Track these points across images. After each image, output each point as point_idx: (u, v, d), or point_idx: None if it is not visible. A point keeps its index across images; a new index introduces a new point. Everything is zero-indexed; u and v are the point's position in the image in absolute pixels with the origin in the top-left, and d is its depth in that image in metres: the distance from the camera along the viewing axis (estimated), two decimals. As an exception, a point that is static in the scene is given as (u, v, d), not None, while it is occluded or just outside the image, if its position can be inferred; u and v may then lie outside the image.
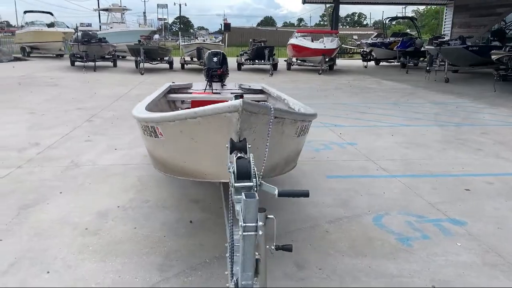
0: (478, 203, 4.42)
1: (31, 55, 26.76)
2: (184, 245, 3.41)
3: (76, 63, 19.40)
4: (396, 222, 3.95)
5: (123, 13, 28.95)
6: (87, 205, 4.15)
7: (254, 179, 1.68)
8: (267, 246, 2.09)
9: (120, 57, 23.72)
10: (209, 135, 1.93)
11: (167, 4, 74.31)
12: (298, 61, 21.99)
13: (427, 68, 16.62)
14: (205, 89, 6.30)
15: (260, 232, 1.65)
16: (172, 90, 5.96)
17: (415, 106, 10.70)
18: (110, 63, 20.81)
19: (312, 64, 21.01)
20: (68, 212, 3.98)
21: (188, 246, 3.39)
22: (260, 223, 1.62)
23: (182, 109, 5.77)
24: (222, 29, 44.99)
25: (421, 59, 21.04)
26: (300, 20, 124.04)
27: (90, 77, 16.25)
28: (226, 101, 4.90)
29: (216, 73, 6.30)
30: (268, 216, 2.04)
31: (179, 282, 2.90)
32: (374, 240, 3.59)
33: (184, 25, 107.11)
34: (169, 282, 2.90)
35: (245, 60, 21.72)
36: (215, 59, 6.44)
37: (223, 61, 6.44)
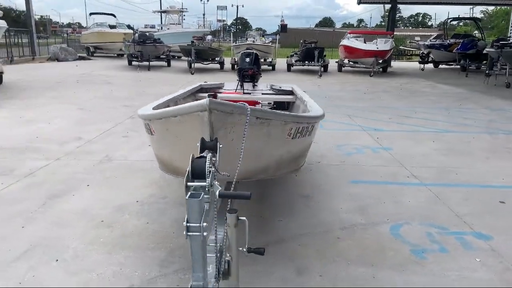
0: (511, 217, 4.09)
1: (94, 54, 28.31)
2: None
3: (133, 63, 20.26)
4: (415, 232, 3.75)
5: (180, 15, 29.83)
6: (109, 199, 4.31)
7: (208, 179, 1.66)
8: (240, 248, 2.07)
9: (176, 57, 24.50)
10: (189, 133, 1.94)
11: (226, 6, 75.68)
12: (350, 62, 21.56)
13: (487, 72, 15.67)
14: (236, 89, 6.33)
15: (205, 233, 1.63)
16: (203, 89, 6.05)
17: (466, 112, 10.12)
18: (164, 63, 21.53)
19: (363, 66, 20.51)
20: (90, 204, 4.15)
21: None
22: (204, 224, 1.59)
23: None
24: (279, 30, 45.12)
25: (484, 62, 19.86)
26: (360, 21, 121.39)
27: (143, 76, 16.89)
28: (255, 101, 4.85)
29: (247, 73, 6.32)
30: (240, 218, 2.01)
31: (175, 278, 2.93)
32: (386, 250, 3.43)
33: (242, 26, 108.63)
34: (167, 278, 2.94)
35: (295, 61, 21.62)
36: (247, 59, 6.46)
37: (255, 61, 6.44)
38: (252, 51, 6.69)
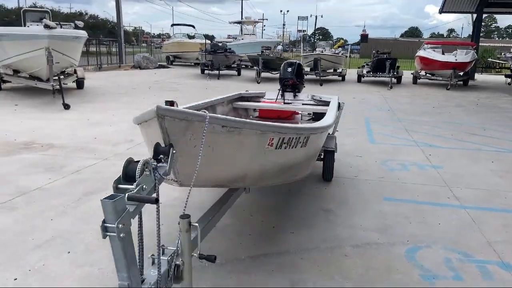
0: (553, 250, 3.64)
1: (173, 63, 29.89)
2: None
3: (206, 71, 21.09)
4: (432, 257, 3.49)
5: (254, 26, 30.51)
6: (136, 199, 4.53)
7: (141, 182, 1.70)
8: (193, 254, 2.09)
9: (249, 66, 25.06)
10: (156, 137, 2.02)
11: (307, 16, 75.74)
12: (426, 74, 20.52)
13: None
14: (276, 99, 6.35)
15: (122, 235, 1.67)
16: (243, 98, 6.15)
17: (544, 131, 9.16)
18: (235, 72, 22.14)
19: (441, 79, 19.41)
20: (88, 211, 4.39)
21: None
22: (120, 225, 1.64)
23: (247, 117, 5.93)
24: (360, 40, 44.34)
25: None
26: (451, 31, 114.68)
27: (211, 84, 17.51)
28: (294, 111, 4.81)
29: (288, 83, 6.31)
30: (192, 223, 2.04)
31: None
32: (393, 272, 3.24)
33: (323, 36, 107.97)
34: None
35: (366, 72, 21.09)
36: (289, 69, 6.44)
37: (298, 71, 6.40)
38: (295, 61, 6.66)
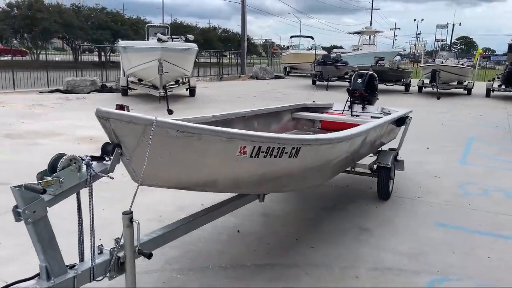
0: None
1: (290, 74, 30.56)
2: (208, 248, 3.67)
3: (317, 82, 21.15)
4: (457, 292, 3.10)
5: (374, 36, 29.54)
6: (177, 199, 4.78)
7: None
8: (136, 249, 2.22)
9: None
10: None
11: (447, 24, 70.04)
12: None
13: None
14: (343, 111, 6.15)
15: (30, 220, 1.82)
16: (306, 108, 6.10)
17: None
18: (346, 83, 21.76)
19: None
20: (161, 200, 4.75)
21: (209, 251, 3.63)
22: (27, 211, 1.79)
23: (310, 128, 5.88)
24: (507, 50, 39.78)
25: None
26: None
27: (317, 94, 17.48)
28: (357, 124, 4.73)
29: (355, 94, 6.07)
30: (133, 220, 2.18)
31: (163, 277, 3.20)
32: (399, 302, 2.97)
33: (465, 46, 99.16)
34: (151, 275, 3.24)
35: (497, 85, 18.99)
36: (359, 80, 6.19)
37: (369, 82, 6.11)
38: (367, 71, 6.37)
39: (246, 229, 4.10)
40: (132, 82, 14.10)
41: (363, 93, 5.93)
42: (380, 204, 4.91)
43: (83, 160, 2.01)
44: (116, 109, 2.14)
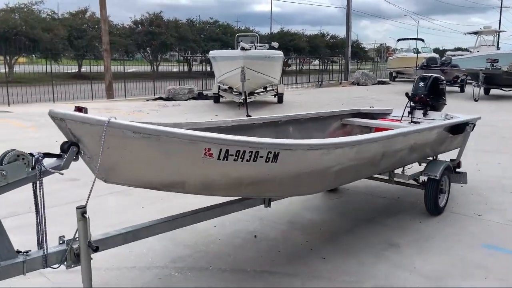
0: None
1: (395, 79, 29.08)
2: (217, 250, 3.72)
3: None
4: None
5: (495, 36, 26.61)
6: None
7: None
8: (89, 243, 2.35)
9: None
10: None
11: None
12: None
13: None
14: (402, 117, 5.68)
15: None
16: (360, 114, 5.78)
17: None
18: (456, 89, 20.04)
19: None
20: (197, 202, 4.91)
21: (217, 253, 3.67)
22: None
23: (359, 134, 5.58)
24: None
25: None
26: None
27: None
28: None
29: (414, 99, 5.57)
30: (85, 214, 2.31)
31: (161, 274, 3.33)
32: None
33: None
34: (152, 271, 3.38)
35: None
36: (421, 83, 5.66)
37: (433, 86, 5.57)
38: (430, 74, 5.78)
39: (264, 235, 4.06)
40: (223, 90, 14.76)
41: (424, 97, 5.44)
42: (426, 220, 4.47)
43: (33, 156, 2.22)
44: (75, 110, 2.33)
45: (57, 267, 2.38)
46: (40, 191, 2.25)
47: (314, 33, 57.20)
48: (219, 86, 14.64)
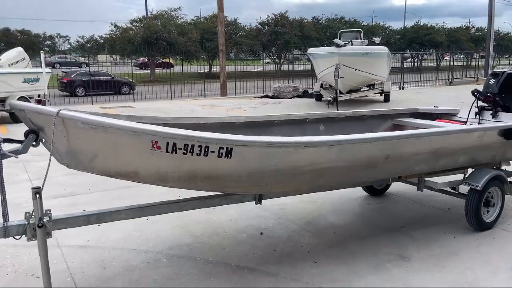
0: None
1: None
2: (217, 243, 3.83)
3: None
4: None
5: None
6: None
7: None
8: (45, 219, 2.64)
9: None
10: None
11: None
12: None
13: None
14: (467, 119, 4.96)
15: None
16: (416, 114, 5.21)
17: None
18: None
19: None
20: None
21: (215, 245, 3.78)
22: None
23: None
24: None
25: None
26: None
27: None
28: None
29: (480, 98, 4.81)
30: (37, 194, 2.60)
31: (151, 258, 3.57)
32: None
33: None
34: (147, 254, 3.62)
35: None
36: (492, 80, 4.85)
37: (505, 84, 4.75)
38: (504, 70, 4.89)
39: (271, 233, 4.03)
40: (325, 88, 14.57)
41: (491, 97, 4.73)
42: (464, 235, 3.94)
43: (-6, 141, 2.61)
44: (35, 103, 2.68)
45: (19, 238, 2.72)
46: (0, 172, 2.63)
47: (457, 26, 52.37)
48: (321, 84, 14.50)
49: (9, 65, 11.34)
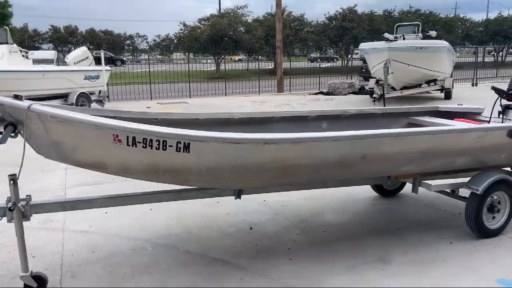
0: None
1: None
2: (205, 235, 3.95)
3: None
4: None
5: None
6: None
7: None
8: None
9: None
10: None
11: None
12: None
13: None
14: (490, 118, 4.56)
15: None
16: (436, 112, 4.88)
17: None
18: None
19: None
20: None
21: (202, 237, 3.90)
22: None
23: None
24: None
25: None
26: None
27: None
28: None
29: (502, 95, 4.39)
30: (12, 181, 2.86)
31: (136, 245, 3.77)
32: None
33: None
34: (129, 241, 3.81)
35: None
36: (518, 77, 4.45)
37: (532, 80, 4.32)
38: None
39: (261, 228, 4.07)
40: (379, 84, 14.05)
41: (512, 94, 4.36)
42: (462, 242, 3.70)
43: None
44: (13, 98, 2.94)
45: (0, 219, 3.02)
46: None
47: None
48: (376, 80, 14.02)
49: (74, 63, 12.40)
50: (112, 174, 3.12)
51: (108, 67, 12.82)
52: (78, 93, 11.33)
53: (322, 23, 38.75)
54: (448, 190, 3.94)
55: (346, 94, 16.06)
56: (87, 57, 12.67)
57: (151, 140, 2.80)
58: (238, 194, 3.54)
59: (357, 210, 4.54)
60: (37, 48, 39.89)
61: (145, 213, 4.40)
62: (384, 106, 10.81)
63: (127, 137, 2.78)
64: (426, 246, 3.62)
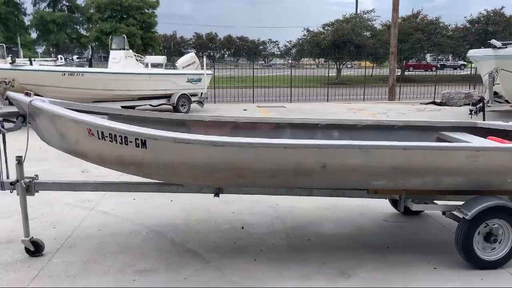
0: None
1: None
2: (195, 228, 4.22)
3: None
4: None
5: None
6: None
7: None
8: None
9: None
10: None
11: None
12: None
13: None
14: None
15: None
16: (473, 128, 4.29)
17: None
18: None
19: None
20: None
21: (191, 230, 4.19)
22: None
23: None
24: None
25: None
26: None
27: None
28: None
29: None
30: (17, 161, 3.51)
31: (126, 228, 4.21)
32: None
33: None
34: (123, 224, 4.25)
35: None
36: None
37: None
38: None
39: (252, 229, 4.19)
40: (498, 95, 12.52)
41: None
42: (449, 269, 3.35)
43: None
44: (24, 94, 3.59)
45: (10, 189, 3.68)
46: (3, 141, 3.63)
47: None
48: (494, 91, 12.52)
49: (183, 67, 13.73)
50: (93, 163, 3.63)
51: (209, 71, 13.86)
52: (179, 94, 12.53)
53: (462, 26, 35.50)
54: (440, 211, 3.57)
55: (460, 106, 14.61)
56: (194, 62, 13.89)
57: (115, 136, 3.21)
58: (216, 193, 3.74)
59: (361, 224, 4.34)
60: (181, 54, 44.48)
61: (164, 204, 4.86)
62: (484, 120, 9.68)
63: (97, 131, 3.23)
64: (404, 268, 3.36)
